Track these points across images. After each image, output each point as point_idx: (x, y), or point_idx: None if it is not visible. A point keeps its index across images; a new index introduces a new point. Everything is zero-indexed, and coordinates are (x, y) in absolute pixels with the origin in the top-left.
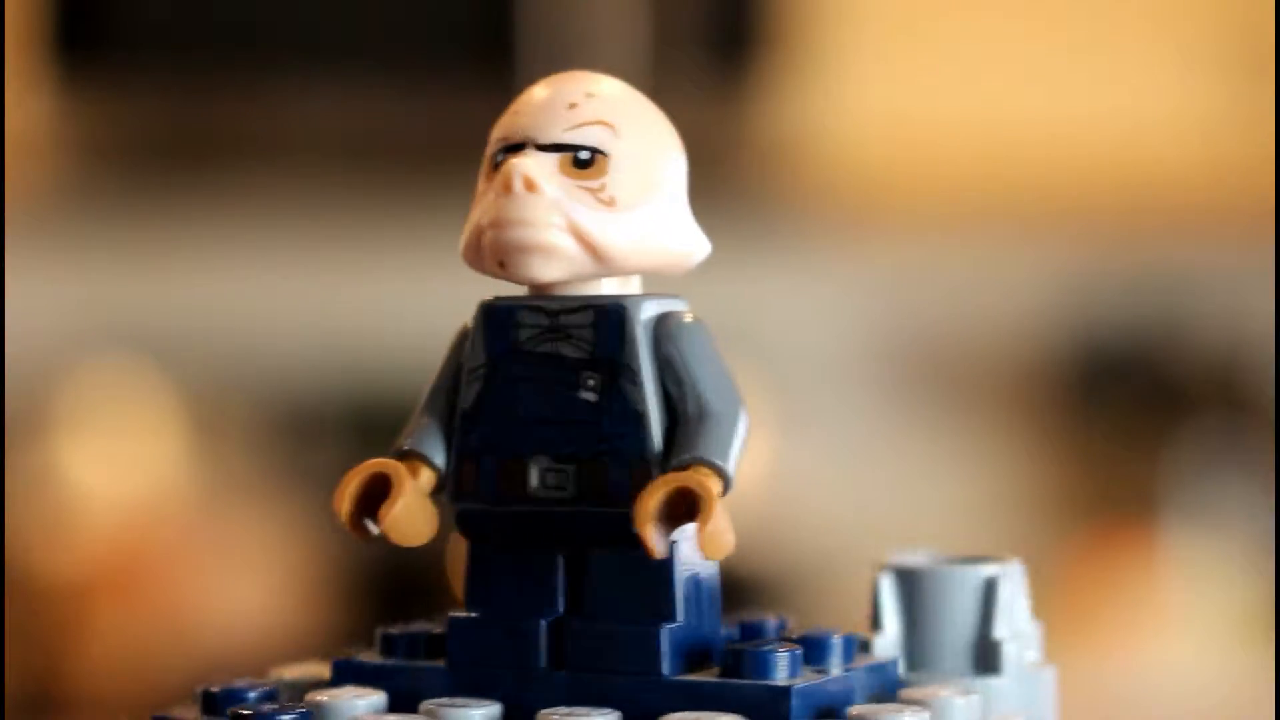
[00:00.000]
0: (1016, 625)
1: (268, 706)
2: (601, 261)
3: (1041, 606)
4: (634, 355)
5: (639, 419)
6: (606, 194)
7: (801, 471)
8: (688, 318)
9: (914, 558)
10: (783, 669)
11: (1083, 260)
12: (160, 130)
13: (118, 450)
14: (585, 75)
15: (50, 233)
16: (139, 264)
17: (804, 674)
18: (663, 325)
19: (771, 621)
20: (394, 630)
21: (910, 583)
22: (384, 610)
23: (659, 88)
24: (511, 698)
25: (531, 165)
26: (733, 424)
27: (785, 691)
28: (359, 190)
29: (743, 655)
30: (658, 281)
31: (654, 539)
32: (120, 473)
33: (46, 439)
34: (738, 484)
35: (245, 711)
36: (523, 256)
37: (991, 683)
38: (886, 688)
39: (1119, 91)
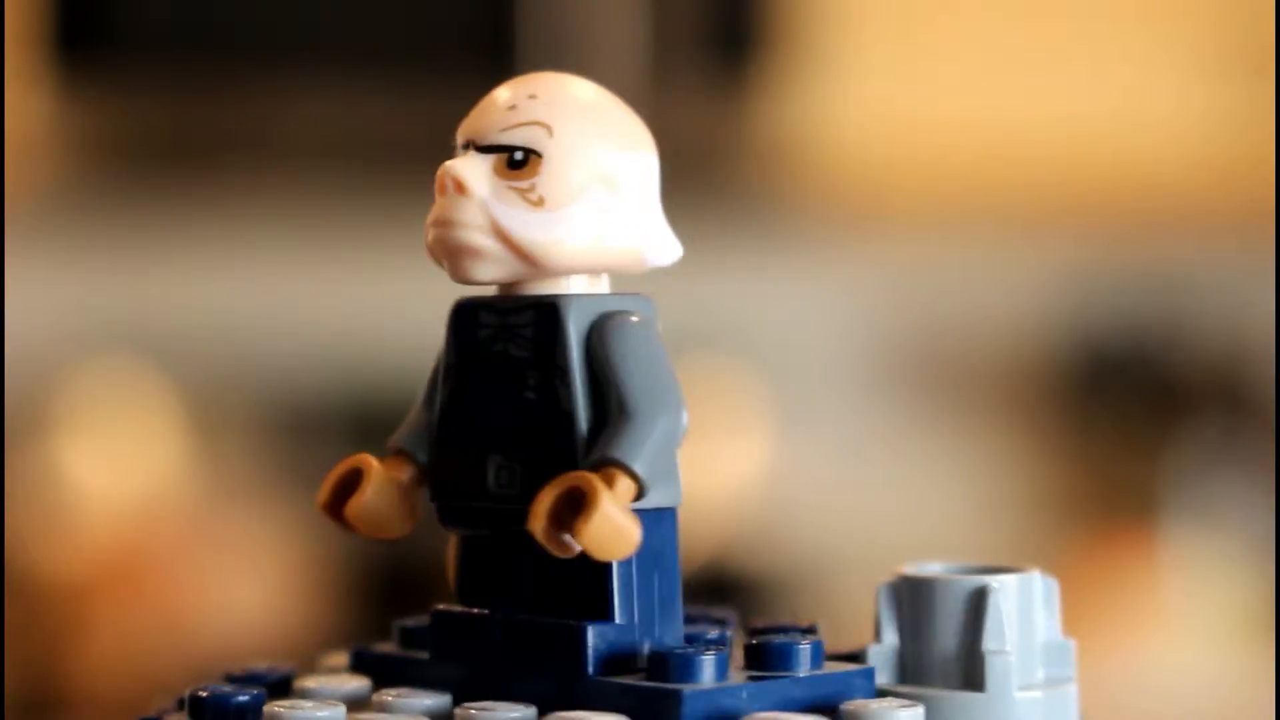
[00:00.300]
0: (1030, 640)
1: (227, 688)
2: (530, 262)
3: None
4: (565, 355)
5: (569, 419)
6: (535, 194)
7: (801, 472)
8: (633, 317)
9: (926, 567)
10: (706, 672)
11: (1083, 260)
12: (160, 130)
13: (118, 450)
14: (539, 77)
15: (50, 233)
16: (139, 264)
17: (733, 678)
18: (599, 325)
19: (798, 626)
20: (409, 622)
21: (905, 592)
22: (384, 609)
23: (659, 88)
24: (470, 690)
25: (463, 166)
26: (651, 424)
27: (675, 695)
28: (359, 190)
29: (666, 657)
30: (630, 281)
31: (546, 538)
32: (120, 473)
33: (46, 439)
34: (737, 484)
35: (201, 693)
36: (455, 258)
37: (972, 697)
38: (846, 696)
39: (1119, 91)
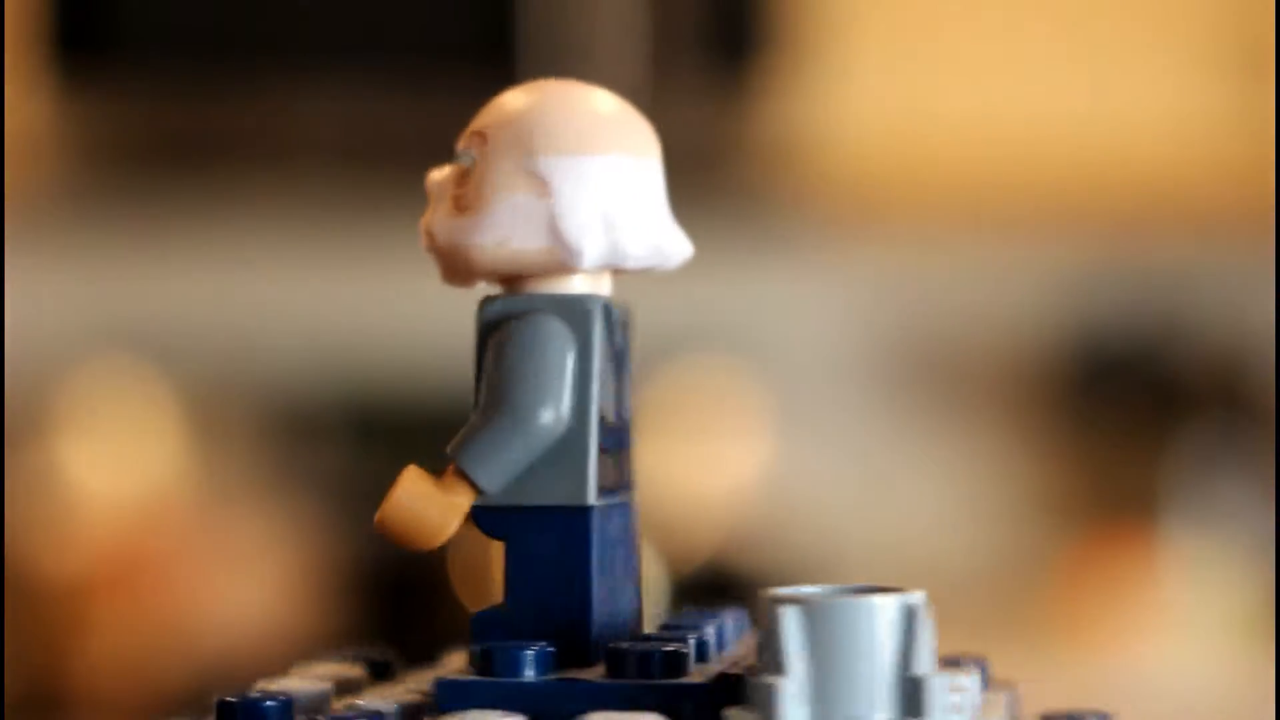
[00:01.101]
0: (877, 671)
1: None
2: (461, 265)
3: (1041, 606)
4: (478, 353)
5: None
6: (463, 200)
7: (801, 472)
8: (528, 317)
9: (807, 589)
10: (528, 668)
11: (1083, 260)
12: (160, 130)
13: (118, 450)
14: (527, 85)
15: (50, 233)
16: (139, 264)
17: (552, 675)
18: (496, 324)
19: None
20: None
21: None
22: (384, 610)
23: (659, 88)
24: None
25: (434, 175)
26: (485, 421)
27: (437, 683)
28: (359, 190)
29: (489, 650)
30: (628, 281)
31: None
32: (120, 473)
33: (46, 439)
34: (737, 484)
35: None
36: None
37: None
38: (638, 707)
39: (1119, 91)
